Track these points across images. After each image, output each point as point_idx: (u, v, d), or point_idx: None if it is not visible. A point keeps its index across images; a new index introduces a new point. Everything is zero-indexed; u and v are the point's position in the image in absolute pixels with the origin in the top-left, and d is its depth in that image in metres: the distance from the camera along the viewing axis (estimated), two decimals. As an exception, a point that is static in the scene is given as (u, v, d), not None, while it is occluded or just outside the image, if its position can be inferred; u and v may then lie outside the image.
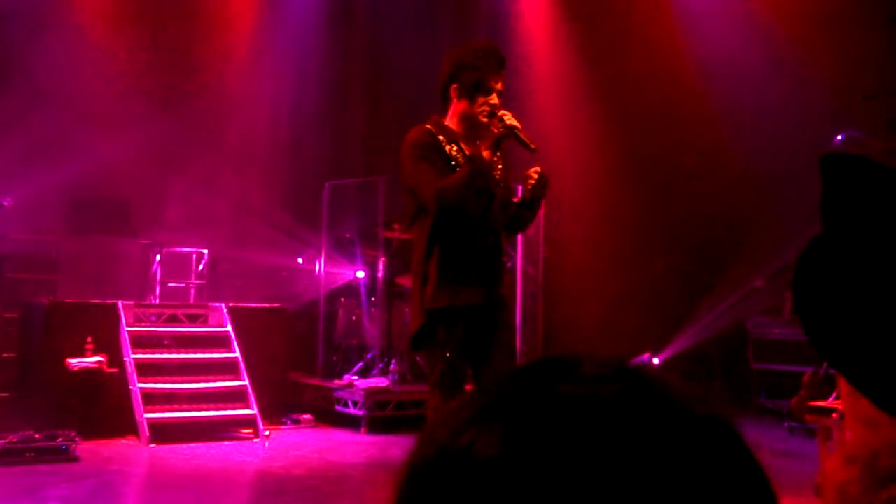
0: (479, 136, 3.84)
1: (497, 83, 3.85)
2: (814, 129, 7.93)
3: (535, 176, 3.86)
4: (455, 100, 3.90)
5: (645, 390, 0.57)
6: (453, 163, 3.82)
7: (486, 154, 3.73)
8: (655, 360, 8.98)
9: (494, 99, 3.83)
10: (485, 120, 3.82)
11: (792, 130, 8.12)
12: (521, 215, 4.01)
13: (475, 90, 3.84)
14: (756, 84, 8.56)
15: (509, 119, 3.75)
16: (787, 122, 8.24)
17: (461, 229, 3.81)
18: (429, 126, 3.92)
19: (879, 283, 0.80)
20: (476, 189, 3.73)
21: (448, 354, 3.76)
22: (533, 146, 3.76)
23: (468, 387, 3.95)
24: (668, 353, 9.08)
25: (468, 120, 3.88)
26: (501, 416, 0.55)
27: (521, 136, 3.75)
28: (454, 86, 3.89)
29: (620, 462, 0.53)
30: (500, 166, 3.94)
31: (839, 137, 7.43)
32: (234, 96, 9.95)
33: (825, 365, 6.99)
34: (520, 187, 4.02)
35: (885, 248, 0.81)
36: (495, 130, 3.77)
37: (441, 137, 3.86)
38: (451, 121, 3.93)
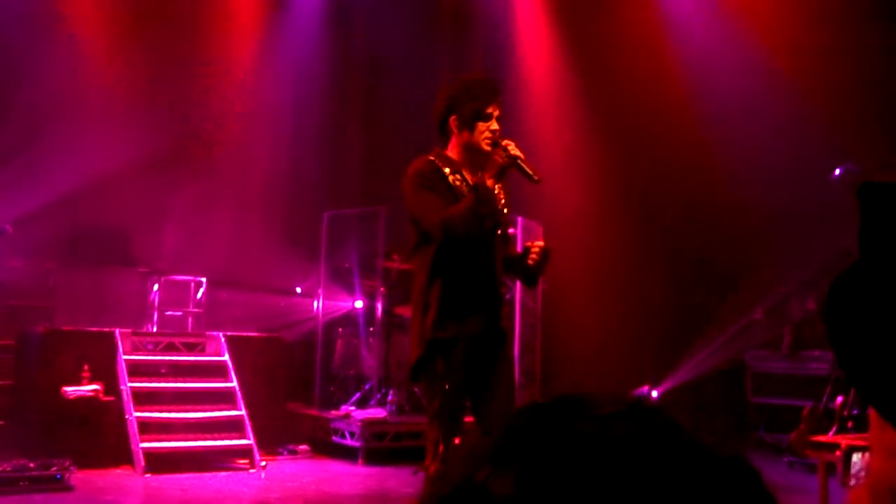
0: (482, 164, 3.85)
1: (495, 110, 3.89)
2: (812, 161, 7.95)
3: (538, 251, 3.88)
4: (455, 131, 3.92)
5: (660, 430, 0.56)
6: (457, 193, 3.83)
7: (489, 182, 3.74)
8: (654, 393, 8.95)
9: (495, 125, 3.87)
10: (488, 147, 3.85)
11: (791, 163, 8.15)
12: (525, 276, 4.02)
13: (475, 118, 3.87)
14: (758, 116, 8.59)
15: (513, 149, 3.77)
16: (786, 156, 8.27)
17: (463, 260, 3.82)
18: (431, 157, 3.94)
19: None
20: (481, 217, 3.75)
21: (447, 386, 3.75)
22: (536, 177, 3.78)
23: (467, 419, 3.93)
24: (666, 385, 9.05)
25: (470, 149, 3.90)
26: (517, 455, 0.55)
27: (525, 166, 3.78)
28: (453, 117, 3.91)
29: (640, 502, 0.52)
30: (502, 196, 3.96)
31: (837, 171, 7.46)
32: (233, 126, 9.97)
33: (825, 399, 6.97)
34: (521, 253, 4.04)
35: None
36: (498, 159, 3.78)
37: (444, 168, 3.88)
38: (452, 152, 3.94)
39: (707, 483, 0.53)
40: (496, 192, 3.86)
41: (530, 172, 3.78)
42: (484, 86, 3.93)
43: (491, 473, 0.54)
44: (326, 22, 10.62)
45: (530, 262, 3.89)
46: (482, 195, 3.72)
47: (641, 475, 0.52)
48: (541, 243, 3.94)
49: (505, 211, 3.98)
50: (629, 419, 0.56)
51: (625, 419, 0.56)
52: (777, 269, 8.21)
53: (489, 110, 3.87)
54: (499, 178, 3.80)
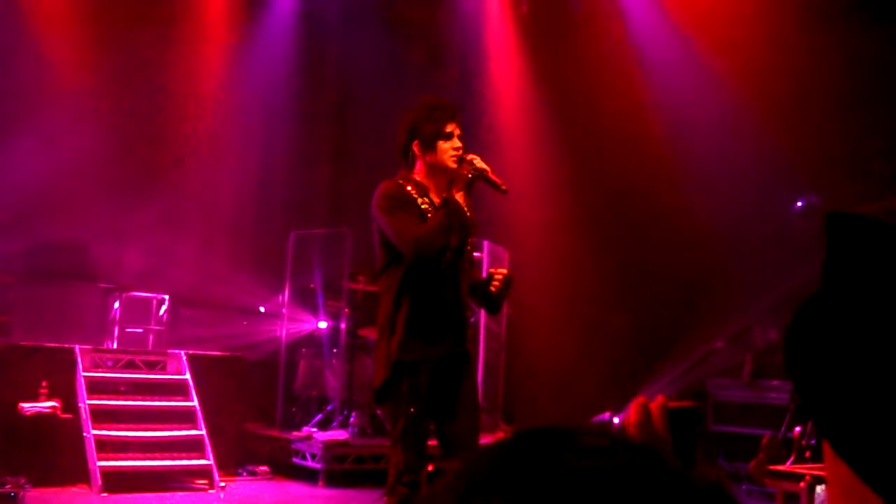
0: (449, 183, 3.88)
1: (455, 129, 3.94)
2: (775, 193, 8.07)
3: (500, 278, 3.93)
4: (419, 155, 3.96)
5: (645, 462, 0.57)
6: (424, 216, 3.85)
7: (458, 196, 3.78)
8: (616, 419, 8.98)
9: (457, 143, 3.91)
10: (454, 164, 3.89)
11: (752, 194, 8.27)
12: (487, 302, 4.04)
13: (435, 138, 3.91)
14: (719, 146, 8.70)
15: (478, 162, 3.84)
16: (747, 185, 8.38)
17: (430, 283, 3.83)
18: (399, 180, 3.96)
19: (878, 347, 0.80)
20: (451, 232, 3.78)
21: (412, 409, 3.75)
22: (504, 187, 3.83)
23: (431, 442, 3.93)
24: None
25: (436, 169, 3.93)
26: (502, 488, 0.55)
27: (491, 177, 3.83)
28: (415, 142, 3.95)
29: None
30: (470, 214, 3.99)
31: (799, 203, 7.57)
32: (200, 142, 9.93)
33: (783, 429, 7.03)
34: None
35: (886, 311, 0.82)
36: (465, 173, 3.82)
37: (411, 190, 3.90)
38: (418, 176, 3.97)
39: None
40: (465, 207, 3.90)
41: (498, 183, 3.84)
42: (440, 106, 3.99)
43: (484, 501, 0.54)
44: (297, 43, 10.63)
45: (493, 289, 3.93)
46: (451, 208, 3.75)
47: None
48: (504, 271, 3.97)
49: (471, 231, 4.01)
50: (613, 451, 0.57)
51: (609, 451, 0.56)
52: (739, 298, 8.29)
53: (449, 129, 3.91)
54: (468, 191, 3.84)
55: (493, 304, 4.04)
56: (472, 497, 0.55)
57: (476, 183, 3.86)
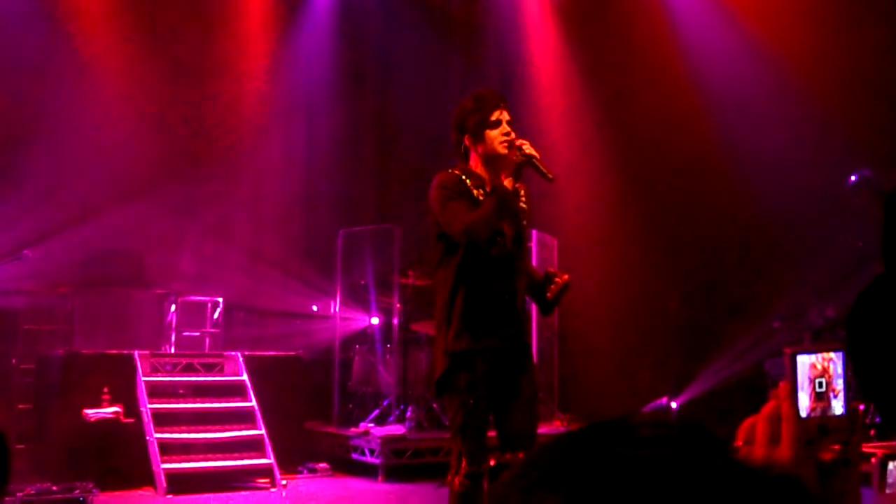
0: (502, 170, 3.87)
1: (503, 115, 3.91)
2: (828, 168, 7.92)
3: (560, 284, 3.89)
4: (472, 148, 3.95)
5: (706, 452, 0.56)
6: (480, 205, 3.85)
7: (507, 182, 3.77)
8: (673, 404, 8.91)
9: (506, 128, 3.89)
10: (505, 150, 3.87)
11: (806, 169, 8.12)
12: (541, 303, 4.03)
13: (483, 128, 3.90)
14: (770, 121, 8.56)
15: (528, 148, 3.81)
16: (800, 160, 8.23)
17: (487, 274, 3.83)
18: (456, 171, 3.96)
19: None
20: (503, 219, 3.77)
21: (471, 401, 3.76)
22: (550, 175, 3.81)
23: (490, 433, 3.93)
24: (685, 396, 9.00)
25: (489, 158, 3.92)
26: (563, 480, 0.55)
27: (539, 165, 3.80)
28: (466, 136, 3.95)
29: None
30: (523, 197, 3.97)
31: (853, 177, 7.42)
32: (247, 145, 10.03)
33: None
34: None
35: None
36: (514, 158, 3.82)
37: (467, 181, 3.90)
38: (476, 169, 3.97)
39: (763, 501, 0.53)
40: (517, 190, 3.88)
41: (545, 171, 3.81)
42: (484, 96, 3.97)
43: (541, 501, 0.54)
44: (338, 41, 10.68)
45: (549, 294, 3.90)
46: (500, 194, 3.74)
47: (687, 498, 0.52)
48: (565, 277, 3.93)
49: (524, 222, 3.99)
50: (673, 441, 0.56)
51: (668, 441, 0.56)
52: (794, 276, 8.17)
53: (495, 117, 3.89)
54: (517, 177, 3.82)
55: (546, 307, 4.02)
56: (534, 494, 0.55)
57: (525, 169, 3.83)
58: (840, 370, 1.03)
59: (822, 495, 0.88)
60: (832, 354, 1.03)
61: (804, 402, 1.01)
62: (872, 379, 0.84)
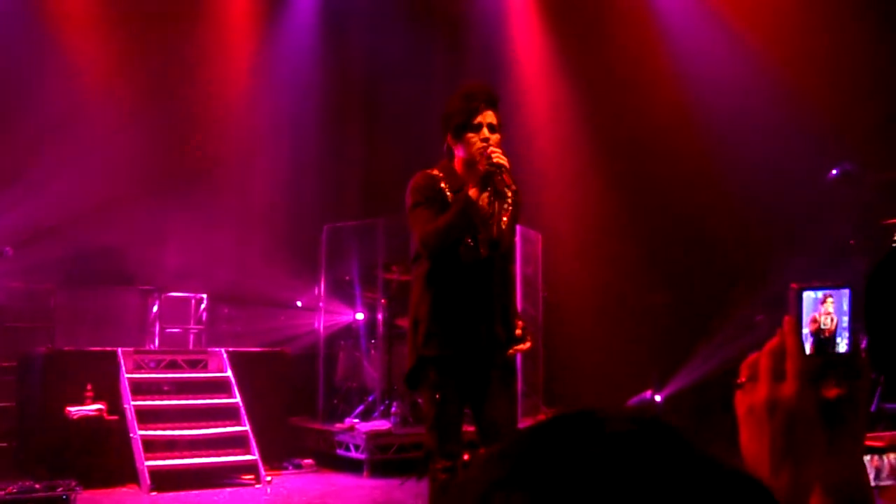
0: (473, 177, 3.83)
1: (486, 118, 3.82)
2: (809, 161, 7.95)
3: (520, 350, 3.94)
4: (455, 149, 3.92)
5: (671, 447, 0.56)
6: None
7: (472, 193, 3.70)
8: (658, 397, 8.94)
9: (485, 133, 3.80)
10: (478, 157, 3.80)
11: (789, 163, 8.15)
12: None
13: (464, 130, 3.83)
14: (752, 116, 8.58)
15: (497, 157, 3.72)
16: (782, 155, 8.26)
17: (456, 278, 3.80)
18: (435, 171, 3.91)
19: None
20: (462, 230, 3.72)
21: (438, 396, 3.75)
22: (513, 188, 3.78)
23: (466, 427, 3.93)
24: (669, 389, 9.03)
25: (466, 161, 3.88)
26: (530, 477, 0.54)
27: (504, 176, 3.73)
28: (448, 136, 3.91)
29: None
30: (510, 199, 3.90)
31: (834, 171, 7.46)
32: (231, 140, 9.99)
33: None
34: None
35: None
36: (481, 168, 3.75)
37: (443, 185, 3.86)
38: (458, 167, 3.93)
39: (722, 500, 0.53)
40: (506, 196, 3.83)
41: (508, 182, 3.76)
42: (472, 95, 3.88)
43: (506, 496, 0.53)
44: (322, 36, 10.64)
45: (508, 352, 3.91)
46: (461, 206, 3.68)
47: (655, 496, 0.52)
48: (527, 345, 3.96)
49: (504, 227, 3.88)
50: (641, 437, 0.56)
51: (637, 437, 0.55)
52: (778, 269, 8.20)
53: (478, 119, 3.81)
54: (483, 187, 3.73)
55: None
56: (494, 492, 0.55)
57: (494, 179, 3.73)
58: (846, 307, 1.03)
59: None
60: (838, 291, 1.03)
61: (807, 340, 1.01)
62: (880, 352, 0.83)
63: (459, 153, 3.89)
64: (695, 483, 0.54)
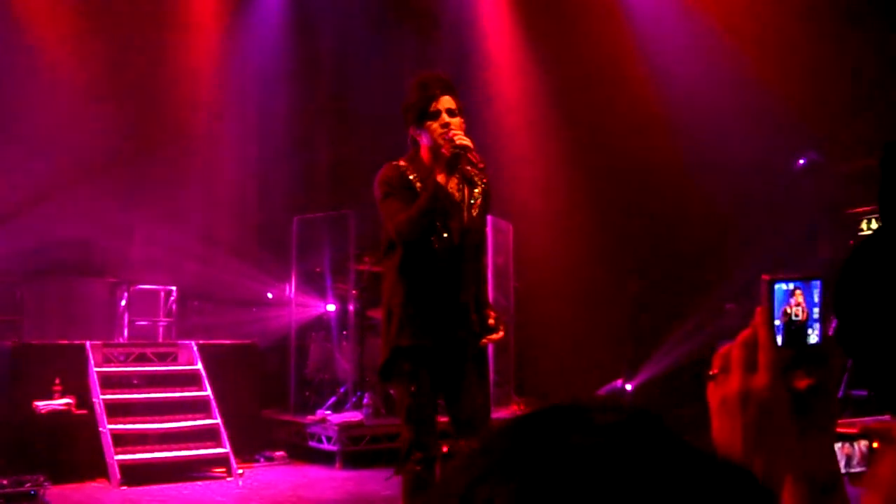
0: (440, 163, 3.83)
1: (442, 104, 3.84)
2: (776, 151, 8.03)
3: (491, 340, 3.95)
4: (419, 139, 3.92)
5: (661, 437, 0.56)
6: None
7: (440, 178, 3.72)
8: (628, 386, 9.00)
9: (445, 119, 3.81)
10: (441, 142, 3.81)
11: (755, 153, 8.22)
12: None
13: (423, 119, 3.84)
14: (719, 106, 8.64)
15: (459, 139, 3.73)
16: (750, 145, 8.34)
17: (428, 268, 3.81)
18: (402, 162, 3.92)
19: None
20: (433, 216, 3.73)
21: (413, 388, 3.76)
22: (480, 165, 3.79)
23: (440, 418, 3.94)
24: (640, 378, 9.10)
25: (432, 149, 3.88)
26: (515, 471, 0.54)
27: (470, 156, 3.74)
28: (411, 128, 3.91)
29: None
30: (480, 187, 3.94)
31: (801, 161, 7.54)
32: (200, 132, 9.91)
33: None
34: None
35: None
36: (445, 152, 3.75)
37: (410, 176, 3.87)
38: (425, 157, 3.93)
39: (709, 493, 0.53)
40: (475, 183, 3.85)
41: (475, 161, 3.77)
42: (427, 84, 3.89)
43: (490, 492, 0.53)
44: (290, 26, 10.57)
45: (481, 341, 3.92)
46: (430, 192, 3.70)
47: (642, 488, 0.52)
48: (500, 334, 3.96)
49: (475, 213, 3.93)
50: (631, 428, 0.55)
51: (627, 428, 0.55)
52: (745, 258, 8.27)
53: (436, 107, 3.82)
54: (451, 171, 3.76)
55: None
56: (481, 485, 0.55)
57: (461, 161, 3.77)
58: (817, 299, 1.03)
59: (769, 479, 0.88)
60: (809, 283, 1.04)
61: (779, 331, 1.02)
62: (849, 335, 0.83)
63: (424, 142, 3.88)
64: (687, 473, 0.54)
